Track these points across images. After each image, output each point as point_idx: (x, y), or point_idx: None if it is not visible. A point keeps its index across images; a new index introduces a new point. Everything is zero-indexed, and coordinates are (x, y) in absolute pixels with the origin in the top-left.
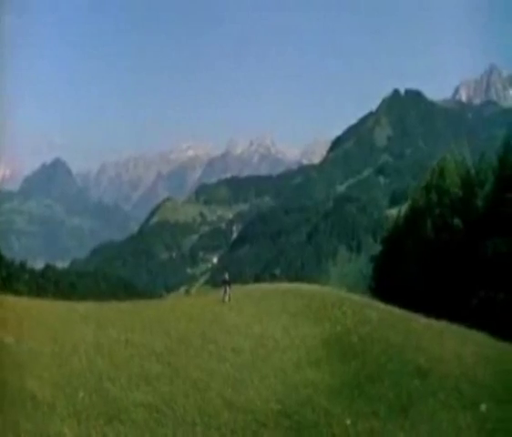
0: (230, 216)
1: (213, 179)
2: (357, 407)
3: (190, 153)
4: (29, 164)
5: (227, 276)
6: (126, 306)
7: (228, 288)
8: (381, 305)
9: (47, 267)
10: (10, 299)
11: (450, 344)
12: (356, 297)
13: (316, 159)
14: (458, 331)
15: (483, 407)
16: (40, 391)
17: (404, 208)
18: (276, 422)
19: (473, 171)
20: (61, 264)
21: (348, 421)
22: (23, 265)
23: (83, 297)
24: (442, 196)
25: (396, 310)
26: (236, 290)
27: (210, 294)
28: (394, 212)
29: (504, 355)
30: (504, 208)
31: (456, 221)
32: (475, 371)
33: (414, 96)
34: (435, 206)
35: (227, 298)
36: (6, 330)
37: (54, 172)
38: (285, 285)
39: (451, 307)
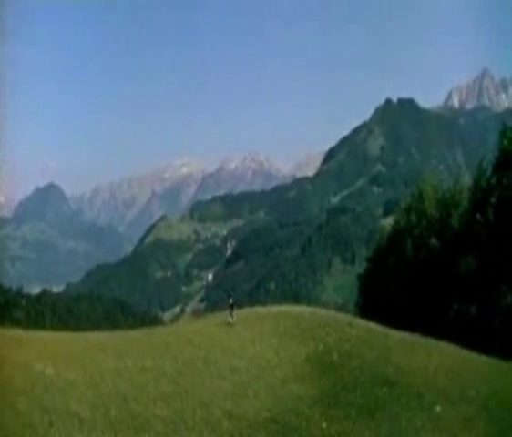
0: (225, 232)
1: (207, 196)
2: (332, 412)
3: (184, 170)
4: (22, 189)
5: (231, 300)
6: (134, 335)
7: (233, 311)
8: (362, 323)
9: (44, 292)
10: (41, 334)
11: (417, 356)
12: (340, 316)
13: (310, 172)
14: (427, 344)
15: (438, 408)
16: (82, 410)
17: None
18: (266, 428)
19: (448, 194)
20: (56, 288)
21: (324, 425)
22: (19, 291)
23: (80, 320)
24: (421, 217)
25: (375, 327)
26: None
27: (209, 318)
28: (388, 221)
29: (464, 364)
30: (475, 229)
31: (433, 241)
32: (436, 379)
33: (407, 104)
34: (415, 226)
35: (231, 319)
36: (45, 363)
37: (47, 196)
38: (277, 308)
39: (430, 320)
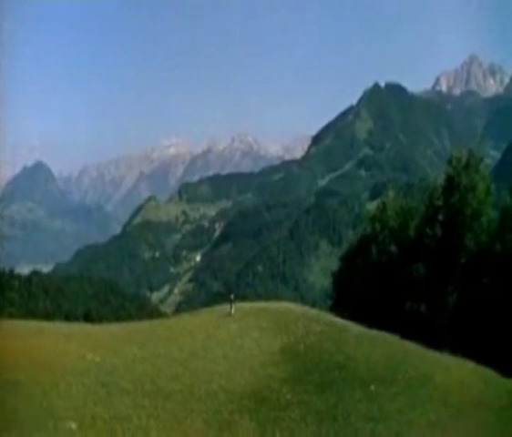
0: (213, 213)
1: (195, 177)
2: (296, 388)
3: (172, 151)
4: (10, 168)
5: (232, 296)
6: (146, 327)
7: (233, 305)
8: (327, 318)
9: (34, 273)
10: (78, 328)
11: (365, 347)
12: (311, 312)
13: (298, 155)
14: (376, 337)
15: (372, 387)
16: (126, 385)
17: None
18: (249, 398)
19: (406, 207)
20: (45, 267)
21: (289, 396)
22: (11, 272)
23: (71, 301)
24: (384, 226)
25: (336, 323)
26: (222, 311)
27: (205, 313)
28: (375, 205)
29: (401, 353)
30: (425, 241)
31: (393, 248)
32: (376, 365)
33: (395, 88)
34: (379, 233)
35: (232, 311)
36: (93, 352)
37: (35, 175)
38: (260, 304)
39: (390, 315)
